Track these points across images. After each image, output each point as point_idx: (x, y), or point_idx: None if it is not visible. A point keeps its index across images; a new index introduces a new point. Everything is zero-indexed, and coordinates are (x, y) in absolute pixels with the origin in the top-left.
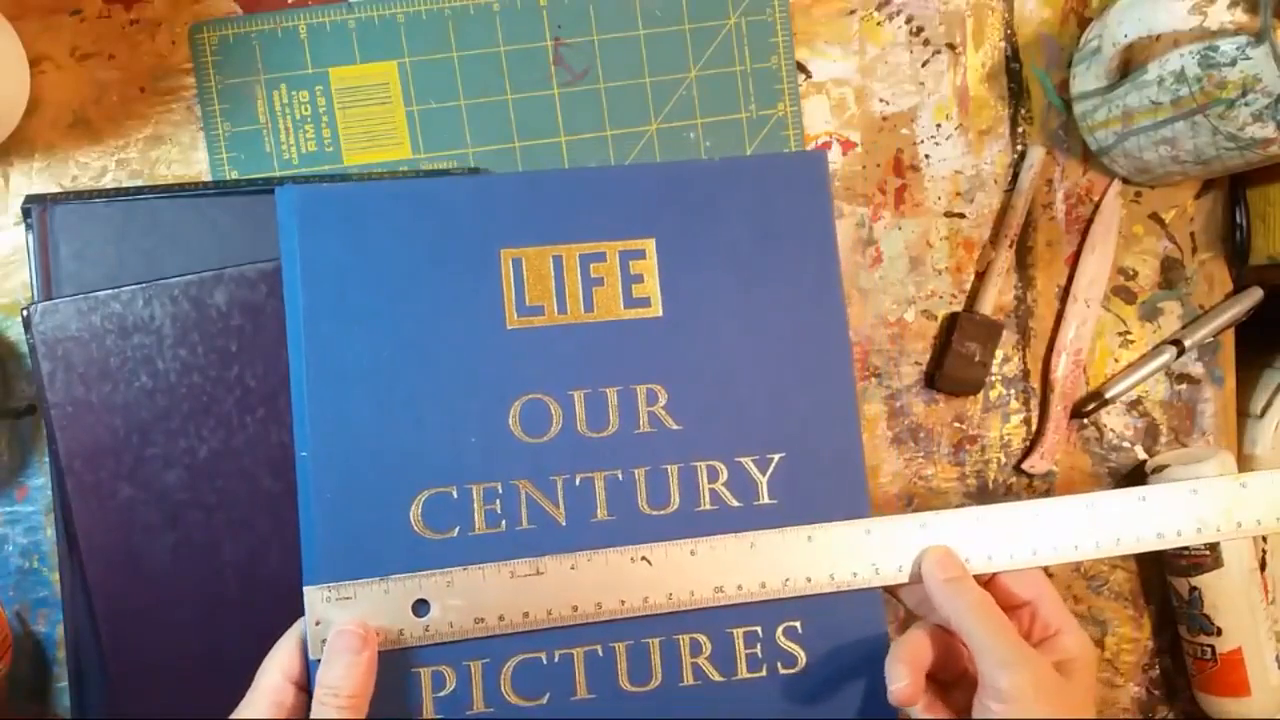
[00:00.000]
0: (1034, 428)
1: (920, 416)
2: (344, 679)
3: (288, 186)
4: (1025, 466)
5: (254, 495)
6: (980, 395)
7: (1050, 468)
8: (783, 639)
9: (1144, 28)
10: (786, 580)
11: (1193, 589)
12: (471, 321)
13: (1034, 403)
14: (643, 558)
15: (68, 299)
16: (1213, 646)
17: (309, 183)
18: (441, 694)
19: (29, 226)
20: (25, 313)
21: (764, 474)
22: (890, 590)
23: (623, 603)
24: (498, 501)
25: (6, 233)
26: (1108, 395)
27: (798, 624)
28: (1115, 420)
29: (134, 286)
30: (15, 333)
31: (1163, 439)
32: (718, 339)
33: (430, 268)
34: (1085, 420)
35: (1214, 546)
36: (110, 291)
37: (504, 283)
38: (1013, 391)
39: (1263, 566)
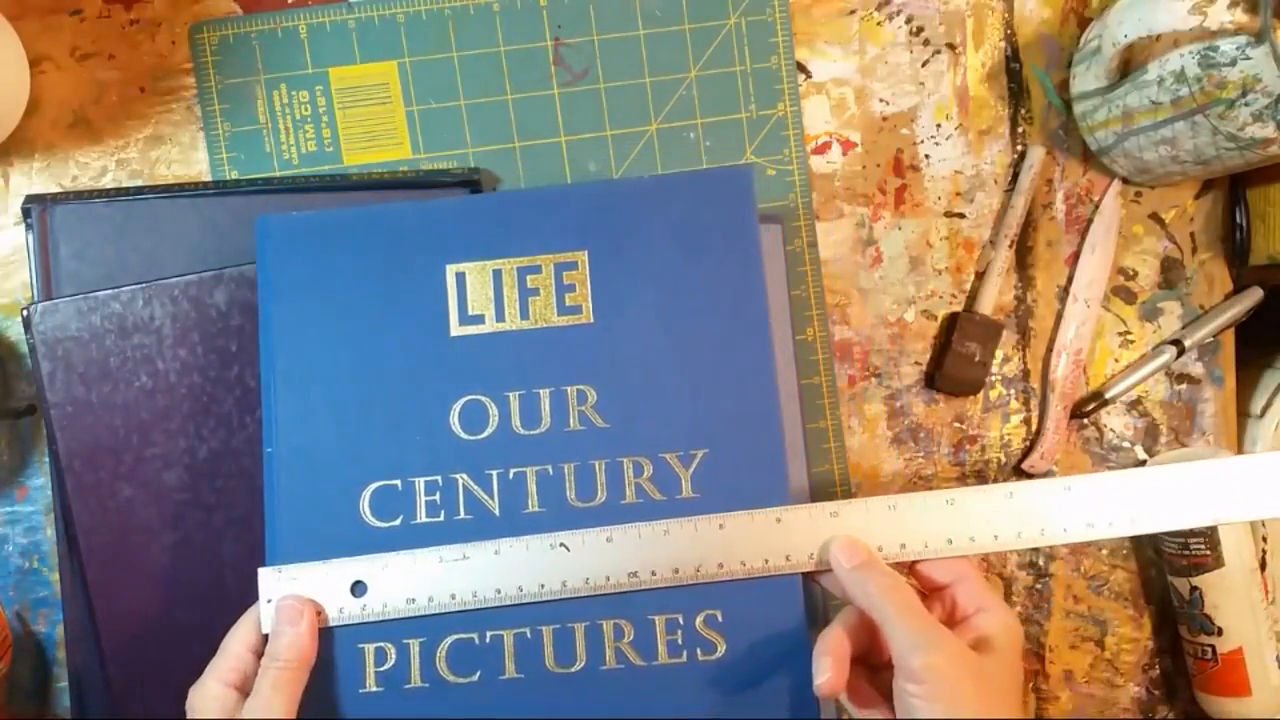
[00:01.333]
0: (1034, 428)
1: (920, 416)
2: (285, 648)
3: (267, 216)
4: (1025, 466)
5: (254, 495)
6: (980, 395)
7: (1050, 468)
8: (702, 627)
9: (1144, 28)
10: (699, 567)
11: (1193, 589)
12: (418, 330)
13: (1034, 403)
14: (561, 544)
15: (68, 299)
16: (1213, 646)
17: (310, 181)
18: (383, 668)
19: (29, 226)
20: (25, 313)
21: (687, 469)
22: (811, 578)
23: (542, 586)
24: (438, 494)
25: (6, 233)
26: (1108, 395)
27: (718, 613)
28: (1115, 420)
29: (134, 286)
30: (15, 333)
31: (1163, 439)
32: (644, 343)
33: (382, 283)
34: (1085, 420)
35: (1215, 546)
36: (110, 291)
37: (448, 295)
38: (1013, 391)
39: (1263, 566)
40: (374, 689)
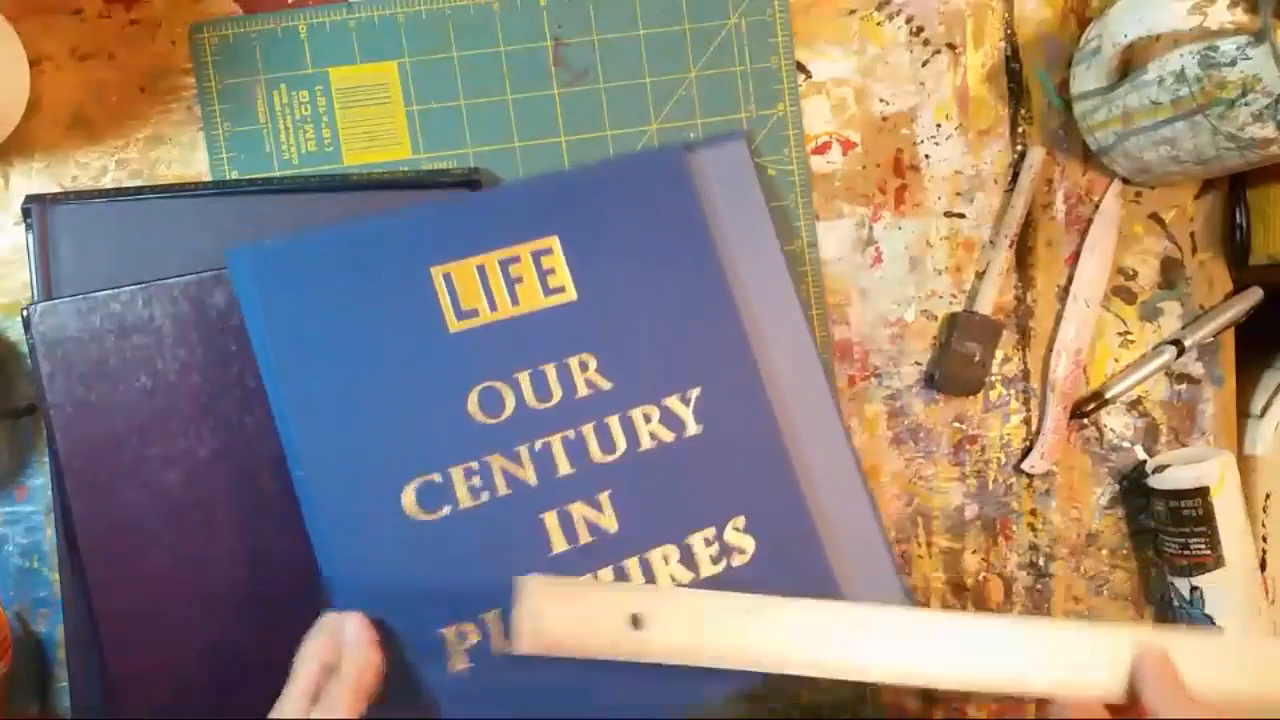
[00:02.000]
0: (1034, 428)
1: (920, 416)
2: (355, 660)
3: (238, 249)
4: (1025, 466)
5: (254, 495)
6: (980, 395)
7: (1050, 468)
8: (732, 533)
9: (1144, 28)
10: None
11: (1194, 589)
12: (418, 334)
13: (1034, 403)
14: (859, 624)
15: (68, 299)
16: None
17: (310, 181)
18: (466, 645)
19: (29, 226)
20: (25, 313)
21: (687, 408)
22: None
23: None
24: (476, 477)
25: (6, 233)
26: (1108, 395)
27: (742, 519)
28: (1115, 420)
29: (134, 287)
30: (15, 333)
31: (1163, 439)
32: (626, 308)
33: (374, 296)
34: (1085, 420)
35: (1216, 546)
36: (110, 292)
37: (439, 295)
38: (1013, 391)
39: (1263, 566)
40: (463, 667)
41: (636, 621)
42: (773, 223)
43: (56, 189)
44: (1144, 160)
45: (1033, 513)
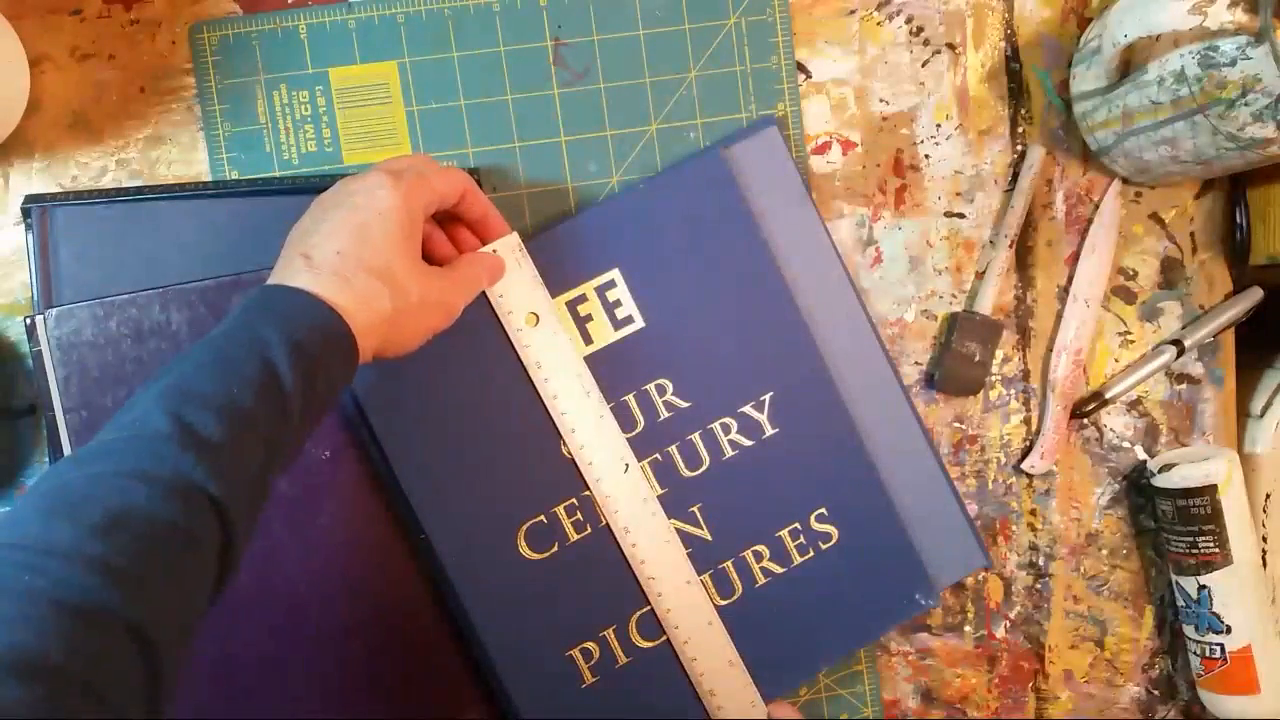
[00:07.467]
0: (1034, 428)
1: (920, 416)
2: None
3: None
4: (1025, 466)
5: (270, 498)
6: (980, 395)
7: (1050, 468)
8: (816, 523)
9: (1144, 28)
10: None
11: (1201, 587)
12: (506, 388)
13: (1034, 403)
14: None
15: (84, 304)
16: (1222, 645)
17: (310, 181)
18: (592, 662)
19: (29, 227)
20: (39, 317)
21: (762, 413)
22: None
23: None
24: (579, 512)
25: (6, 233)
26: (1108, 395)
27: (824, 508)
28: (1115, 420)
29: (151, 291)
30: (15, 333)
31: (1163, 439)
32: (693, 325)
33: (460, 362)
34: (1085, 420)
35: (1224, 543)
36: (127, 296)
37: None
38: (1013, 391)
39: (1263, 565)
40: (592, 680)
41: None
42: (814, 205)
43: (56, 189)
44: (1144, 160)
45: (1032, 513)
